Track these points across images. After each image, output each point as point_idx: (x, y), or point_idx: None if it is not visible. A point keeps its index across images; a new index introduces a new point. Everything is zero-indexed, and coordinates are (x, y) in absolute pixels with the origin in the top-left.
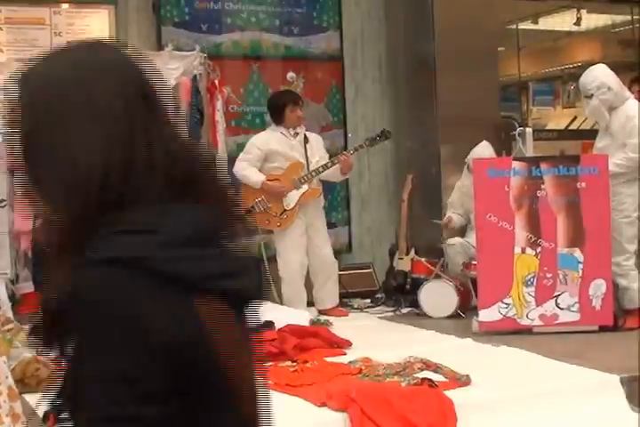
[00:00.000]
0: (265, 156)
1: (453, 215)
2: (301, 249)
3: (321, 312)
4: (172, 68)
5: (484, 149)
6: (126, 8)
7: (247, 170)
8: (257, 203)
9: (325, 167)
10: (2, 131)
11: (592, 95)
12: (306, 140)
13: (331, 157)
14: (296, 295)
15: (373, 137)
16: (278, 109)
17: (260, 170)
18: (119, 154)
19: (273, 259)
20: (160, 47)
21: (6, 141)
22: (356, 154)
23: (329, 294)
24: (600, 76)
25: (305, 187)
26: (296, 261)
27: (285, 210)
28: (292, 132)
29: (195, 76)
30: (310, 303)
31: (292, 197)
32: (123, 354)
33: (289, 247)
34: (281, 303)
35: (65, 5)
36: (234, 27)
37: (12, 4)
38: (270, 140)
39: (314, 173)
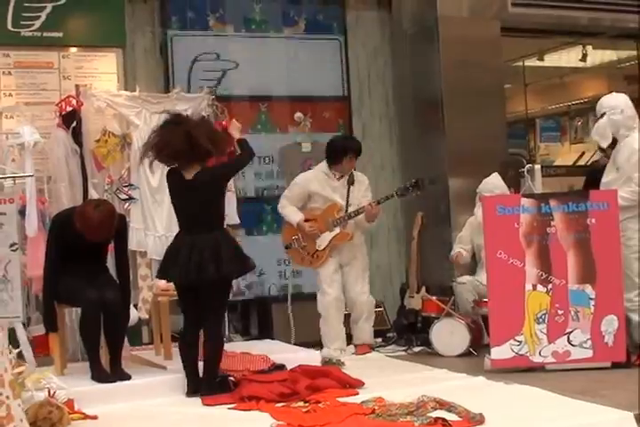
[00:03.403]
0: (307, 195)
1: (462, 251)
2: (335, 285)
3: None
4: (181, 110)
5: (495, 179)
6: (134, 51)
7: (287, 208)
8: (294, 240)
9: (357, 213)
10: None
11: (604, 114)
12: (351, 181)
13: None
14: (331, 331)
15: (406, 186)
16: (338, 154)
17: (305, 208)
18: None
19: (297, 297)
20: (168, 89)
21: None
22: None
23: (360, 332)
24: (620, 99)
25: (337, 230)
26: (330, 295)
27: (317, 250)
28: (338, 175)
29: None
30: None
31: (325, 239)
32: None
33: (322, 282)
34: (318, 339)
35: (73, 49)
36: None
37: (21, 49)
38: (312, 180)
39: (346, 217)
